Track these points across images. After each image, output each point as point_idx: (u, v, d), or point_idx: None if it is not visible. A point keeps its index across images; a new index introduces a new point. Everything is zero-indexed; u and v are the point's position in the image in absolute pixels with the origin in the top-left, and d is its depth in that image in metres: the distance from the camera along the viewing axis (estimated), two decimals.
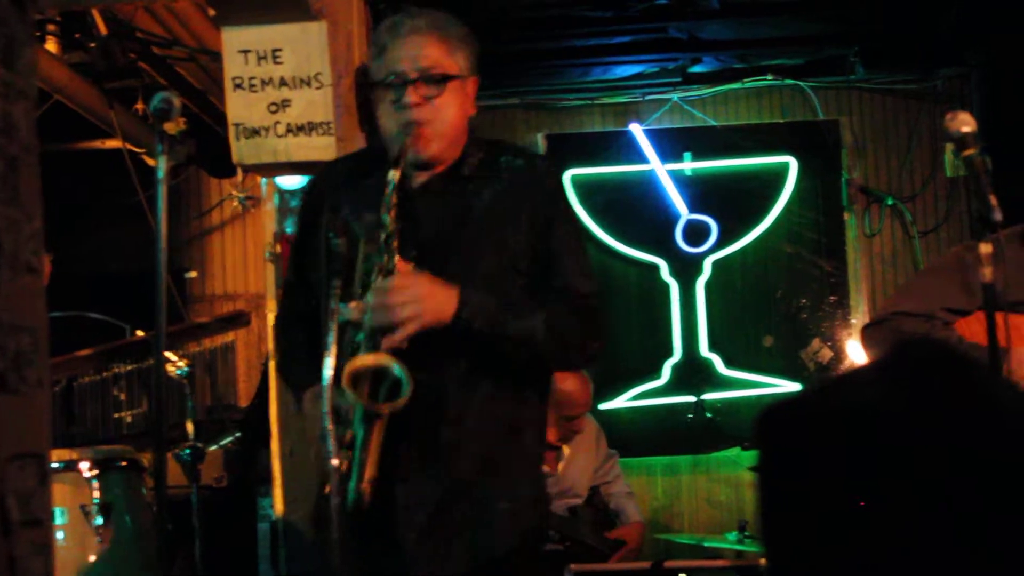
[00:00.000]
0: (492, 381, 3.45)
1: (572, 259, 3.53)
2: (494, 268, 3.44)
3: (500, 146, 3.66)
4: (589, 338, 3.57)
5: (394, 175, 3.27)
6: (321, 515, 3.31)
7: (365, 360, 3.20)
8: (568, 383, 6.26)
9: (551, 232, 3.50)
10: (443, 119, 3.42)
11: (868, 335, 4.34)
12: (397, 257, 3.26)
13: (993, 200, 3.48)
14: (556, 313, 3.44)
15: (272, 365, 5.58)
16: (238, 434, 6.59)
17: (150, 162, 6.67)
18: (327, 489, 3.16)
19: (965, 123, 3.64)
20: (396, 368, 3.17)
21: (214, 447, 5.49)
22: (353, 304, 3.27)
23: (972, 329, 4.06)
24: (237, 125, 5.28)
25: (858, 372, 1.50)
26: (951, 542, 1.28)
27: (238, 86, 5.26)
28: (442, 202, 3.47)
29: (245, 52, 5.23)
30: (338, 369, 3.13)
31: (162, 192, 3.36)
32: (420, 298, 3.24)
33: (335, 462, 3.12)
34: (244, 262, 8.42)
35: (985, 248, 3.49)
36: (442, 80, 3.40)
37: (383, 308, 3.22)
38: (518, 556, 3.53)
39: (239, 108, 5.27)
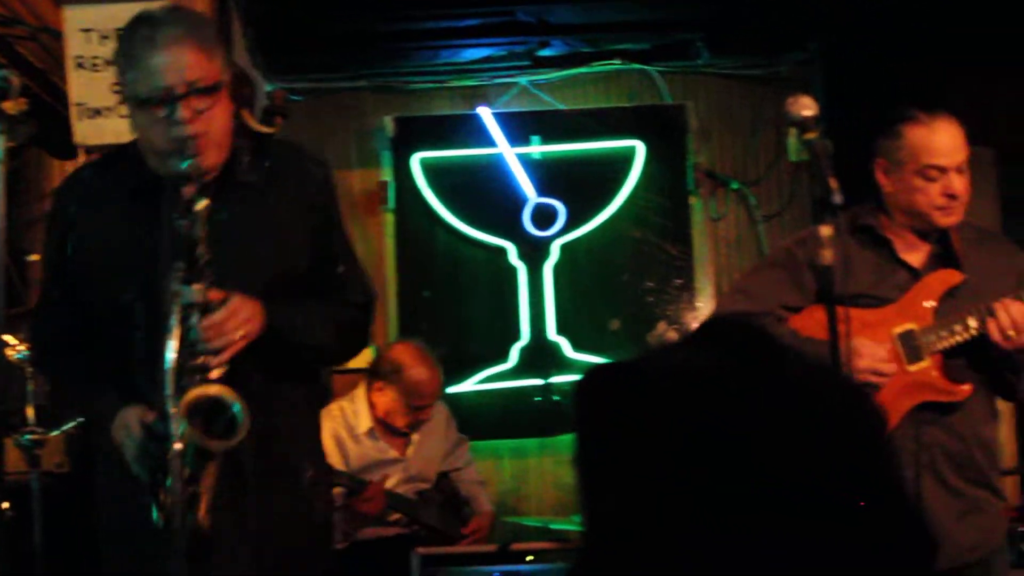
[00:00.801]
0: (288, 382, 3.65)
1: (348, 267, 3.78)
2: (279, 274, 3.58)
3: (267, 144, 3.74)
4: (363, 341, 3.88)
5: (201, 208, 3.29)
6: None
7: (204, 391, 3.26)
8: (417, 371, 6.30)
9: (328, 238, 3.72)
10: (216, 128, 3.43)
11: None
12: (210, 292, 3.30)
13: (833, 183, 3.59)
14: (340, 317, 3.70)
15: None
16: (80, 419, 6.51)
17: None
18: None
19: (806, 107, 3.75)
20: (235, 405, 3.25)
21: (56, 432, 5.41)
22: (196, 286, 3.29)
23: (805, 324, 4.15)
24: (79, 105, 5.24)
25: (672, 342, 1.56)
26: (756, 503, 1.32)
27: (80, 65, 5.22)
28: (220, 213, 3.47)
29: (87, 31, 5.19)
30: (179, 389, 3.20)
31: (1, 173, 3.35)
32: (249, 318, 3.37)
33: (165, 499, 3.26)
34: None
35: (825, 230, 3.59)
36: (212, 90, 3.39)
37: (224, 338, 3.30)
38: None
39: (81, 88, 5.23)
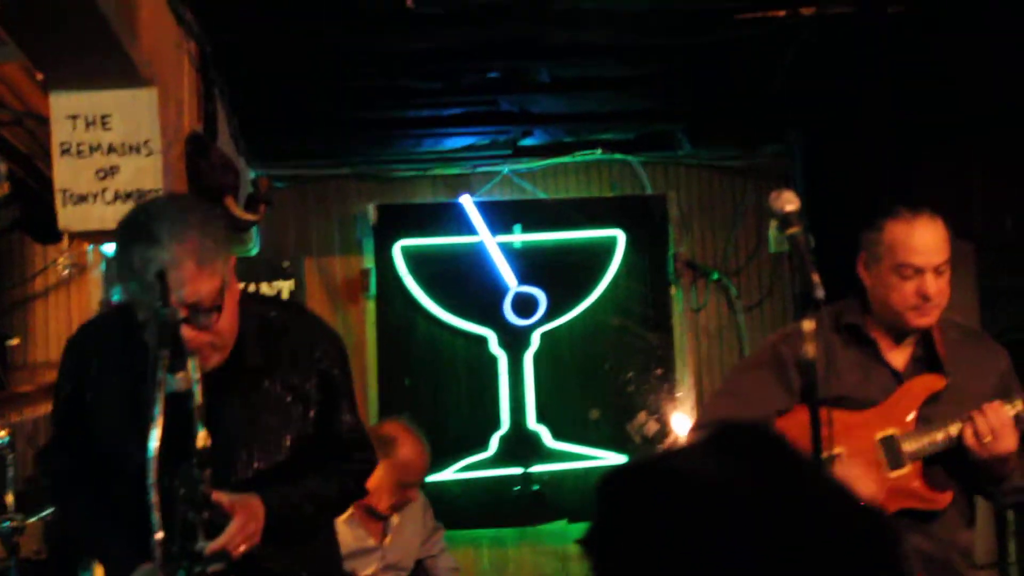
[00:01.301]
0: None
1: (353, 424, 3.87)
2: (288, 449, 3.67)
3: (272, 320, 3.75)
4: (359, 496, 4.08)
5: (200, 445, 3.27)
6: None
7: None
8: (407, 450, 6.30)
9: (337, 407, 3.80)
10: (221, 331, 3.45)
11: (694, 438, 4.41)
12: (214, 494, 3.35)
13: (815, 278, 3.58)
14: (340, 488, 3.86)
15: None
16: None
17: None
18: None
19: (789, 201, 3.74)
20: None
21: (34, 519, 5.40)
22: (180, 375, 3.32)
23: (789, 426, 4.08)
24: (64, 191, 5.23)
25: (687, 445, 1.58)
26: None
27: (65, 151, 5.22)
28: (230, 398, 3.56)
29: (73, 117, 5.20)
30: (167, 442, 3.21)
31: None
32: (250, 536, 3.45)
33: None
34: (69, 329, 8.28)
35: (808, 325, 3.57)
36: (215, 308, 3.38)
37: (223, 557, 3.38)
38: None
39: (66, 174, 5.22)
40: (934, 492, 4.12)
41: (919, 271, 4.09)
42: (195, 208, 3.47)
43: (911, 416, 4.15)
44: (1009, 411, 4.04)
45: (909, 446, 4.11)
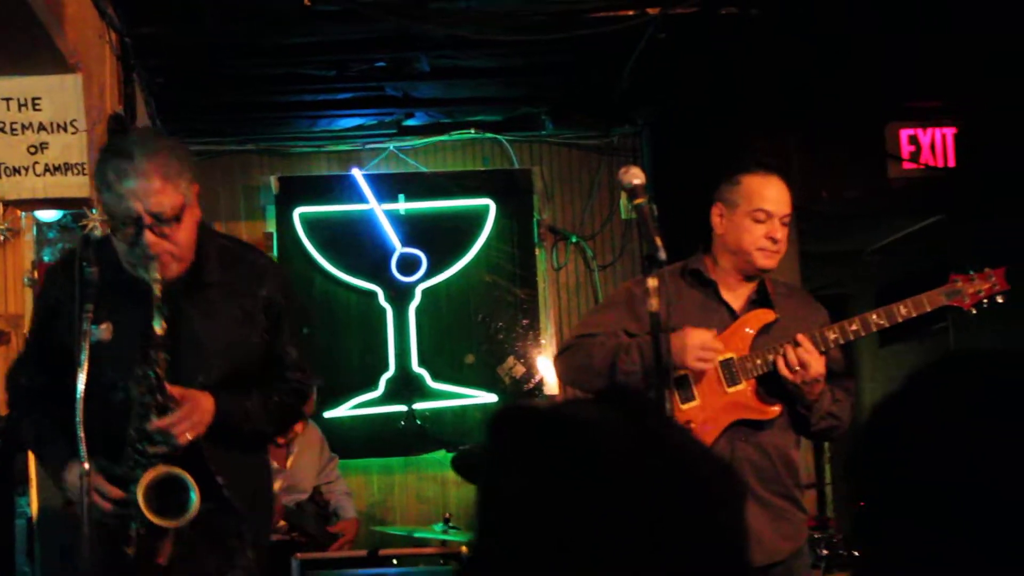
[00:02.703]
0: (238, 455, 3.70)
1: (294, 353, 3.80)
2: (238, 361, 3.65)
3: (232, 248, 3.79)
4: (297, 419, 3.96)
5: (159, 331, 3.37)
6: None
7: (161, 470, 3.38)
8: None
9: (280, 328, 3.75)
10: (179, 243, 3.47)
11: (560, 360, 4.44)
12: (169, 388, 3.40)
13: (659, 241, 3.64)
14: (278, 404, 3.76)
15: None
16: None
17: None
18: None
19: (636, 176, 3.81)
20: (192, 492, 3.38)
21: None
22: (103, 325, 3.35)
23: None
24: (0, 164, 5.20)
25: (578, 400, 1.57)
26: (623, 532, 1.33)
27: (0, 130, 5.18)
28: (188, 309, 3.56)
29: (7, 99, 5.14)
30: (125, 480, 3.35)
31: None
32: (198, 419, 3.45)
33: (130, 551, 3.40)
34: (3, 286, 8.19)
35: (652, 282, 3.64)
36: (175, 218, 3.42)
37: (173, 442, 3.40)
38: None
39: (2, 149, 5.18)
40: (764, 405, 4.19)
41: (770, 216, 4.18)
42: (166, 138, 3.62)
43: (746, 343, 4.23)
44: (831, 335, 4.16)
45: (743, 365, 4.19)
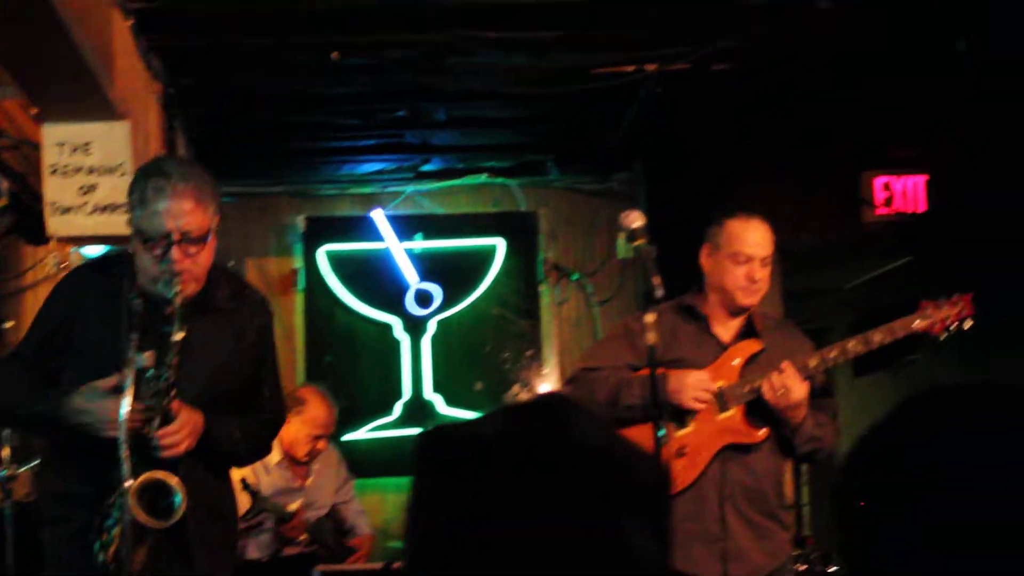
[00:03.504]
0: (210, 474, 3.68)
1: (272, 393, 3.84)
2: (225, 387, 3.66)
3: (236, 283, 3.83)
4: (267, 450, 3.99)
5: (176, 338, 3.37)
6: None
7: (155, 475, 3.36)
8: (315, 408, 6.36)
9: (263, 365, 3.79)
10: (201, 264, 3.50)
11: (565, 390, 4.49)
12: (175, 401, 3.39)
13: (656, 280, 3.68)
14: (253, 432, 3.76)
15: None
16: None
17: None
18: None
19: (637, 219, 3.84)
20: (177, 496, 3.37)
21: (24, 468, 5.36)
22: (147, 354, 3.37)
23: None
24: (52, 204, 5.22)
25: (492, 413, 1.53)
26: (539, 540, 1.33)
27: (54, 172, 5.21)
28: (192, 330, 3.50)
29: (61, 144, 5.18)
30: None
31: None
32: (192, 432, 3.44)
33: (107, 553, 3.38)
34: None
35: (649, 317, 3.67)
36: (202, 240, 3.45)
37: (171, 447, 3.38)
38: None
39: (54, 190, 5.21)
40: (752, 429, 4.20)
41: (749, 259, 4.21)
42: (198, 166, 3.65)
43: (735, 369, 4.26)
44: (811, 362, 4.18)
45: (734, 392, 4.21)
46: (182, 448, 3.40)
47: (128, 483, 3.26)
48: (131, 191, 3.50)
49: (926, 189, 7.77)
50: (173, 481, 3.36)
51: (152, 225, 3.39)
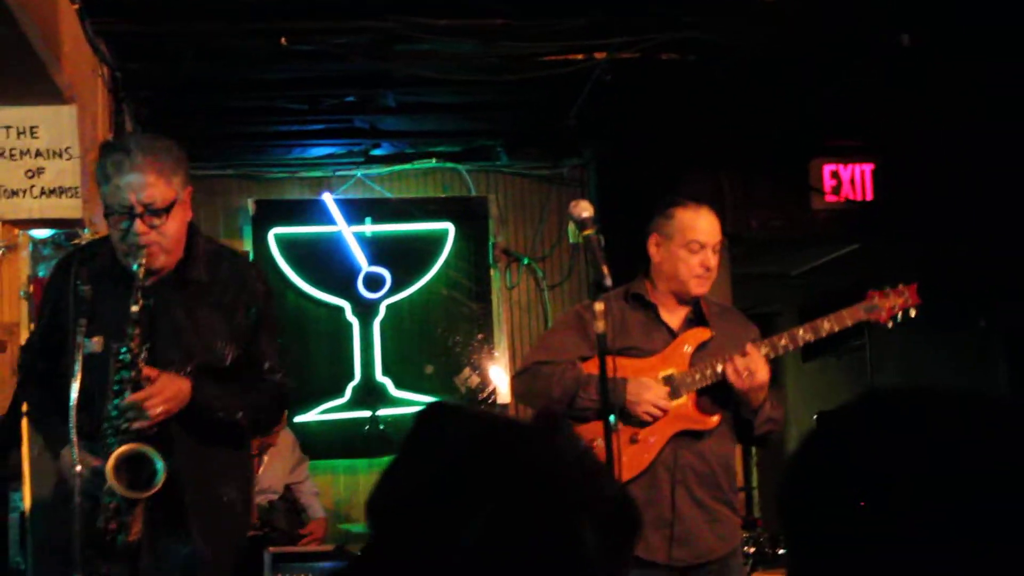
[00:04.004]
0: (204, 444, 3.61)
1: (272, 357, 3.76)
2: (208, 358, 3.59)
3: (220, 252, 3.77)
4: (276, 419, 3.86)
5: (135, 309, 3.36)
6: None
7: (129, 448, 3.34)
8: None
9: (258, 337, 3.70)
10: (167, 236, 3.48)
11: (518, 381, 4.48)
12: (145, 369, 3.37)
13: (605, 269, 3.70)
14: (256, 401, 3.67)
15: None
16: None
17: None
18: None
19: (585, 209, 3.86)
20: (157, 462, 3.34)
21: None
22: (95, 339, 3.37)
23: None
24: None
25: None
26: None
27: (0, 155, 5.20)
28: (173, 301, 3.55)
29: (7, 127, 5.15)
30: (85, 409, 3.29)
31: None
32: (169, 397, 3.40)
33: (105, 524, 3.34)
34: (1, 298, 8.15)
35: (599, 306, 3.69)
36: (164, 211, 3.45)
37: (142, 416, 3.35)
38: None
39: (1, 173, 5.20)
40: (704, 416, 4.24)
41: (703, 247, 4.24)
42: (164, 140, 3.57)
43: (685, 356, 4.29)
44: (762, 350, 4.24)
45: (684, 380, 4.24)
46: (158, 411, 3.36)
47: (78, 468, 3.26)
48: (96, 167, 3.54)
49: (872, 177, 7.87)
50: (150, 450, 3.34)
51: (116, 200, 3.41)
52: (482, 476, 1.41)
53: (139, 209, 3.40)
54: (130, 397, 3.34)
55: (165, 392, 3.39)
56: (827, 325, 4.32)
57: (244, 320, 3.67)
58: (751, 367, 4.15)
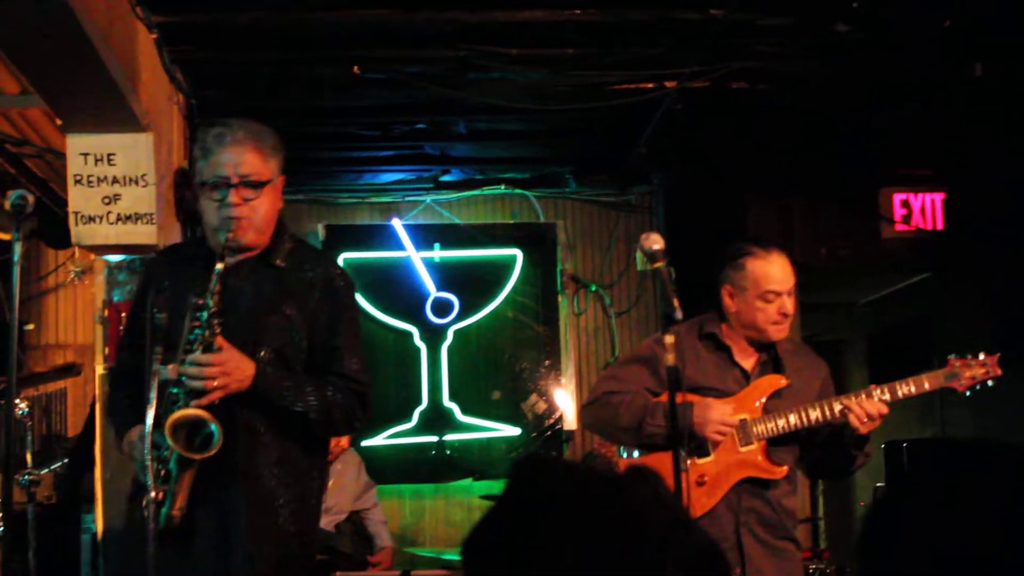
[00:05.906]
0: (277, 437, 3.53)
1: (352, 353, 3.65)
2: (280, 344, 3.54)
3: (304, 245, 3.77)
4: (356, 417, 3.65)
5: (220, 267, 3.38)
6: (137, 529, 3.34)
7: (186, 412, 3.30)
8: None
9: (335, 332, 3.62)
10: (258, 214, 3.50)
11: (587, 411, 4.43)
12: (219, 336, 3.36)
13: (676, 303, 3.67)
14: (331, 397, 3.55)
15: (98, 407, 5.56)
16: (66, 460, 6.51)
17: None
18: (144, 503, 3.26)
19: (656, 242, 3.81)
20: (212, 425, 3.29)
21: (46, 471, 5.42)
22: (170, 367, 3.36)
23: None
24: (76, 213, 5.28)
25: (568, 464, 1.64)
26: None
27: (78, 181, 5.26)
28: (252, 283, 3.55)
29: (85, 155, 5.23)
30: (159, 418, 3.26)
31: (16, 273, 3.42)
32: (229, 371, 3.35)
33: (152, 494, 3.24)
34: (74, 318, 8.25)
35: (669, 339, 3.67)
36: (259, 185, 3.48)
37: (200, 376, 3.32)
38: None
39: (78, 199, 5.26)
40: (773, 465, 4.20)
41: (779, 295, 4.18)
42: (264, 125, 3.63)
43: (759, 405, 4.24)
44: (881, 395, 4.17)
45: (757, 428, 4.19)
46: (216, 381, 3.32)
47: (152, 493, 3.23)
48: (194, 147, 3.59)
49: (943, 207, 7.77)
50: (204, 414, 3.30)
51: (212, 171, 3.46)
52: (572, 527, 1.43)
53: (235, 180, 3.44)
54: (194, 356, 3.32)
55: (227, 364, 3.36)
56: (905, 389, 4.25)
57: (323, 314, 3.62)
58: (870, 412, 4.10)
